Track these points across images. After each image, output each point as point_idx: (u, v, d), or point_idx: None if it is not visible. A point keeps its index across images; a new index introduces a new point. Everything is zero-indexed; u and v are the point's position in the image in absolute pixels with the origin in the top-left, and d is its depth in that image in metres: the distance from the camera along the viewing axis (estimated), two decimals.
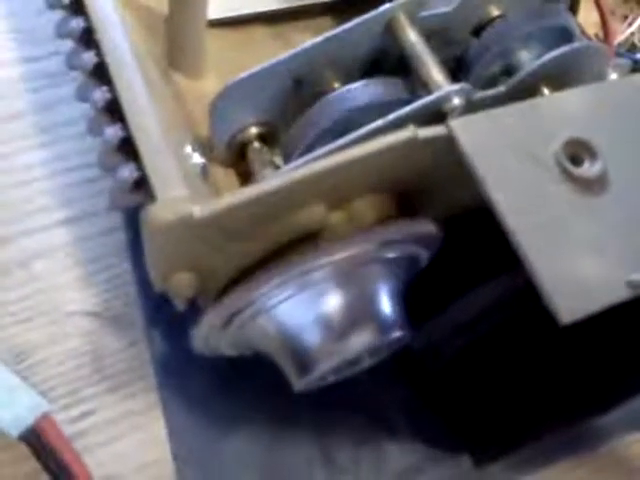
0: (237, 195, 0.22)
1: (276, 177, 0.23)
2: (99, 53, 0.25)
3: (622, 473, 0.33)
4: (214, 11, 0.30)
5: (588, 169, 0.23)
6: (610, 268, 0.22)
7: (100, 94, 0.24)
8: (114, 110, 0.24)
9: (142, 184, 0.23)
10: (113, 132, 0.23)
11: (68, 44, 0.28)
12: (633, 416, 0.33)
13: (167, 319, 0.31)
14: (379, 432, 0.32)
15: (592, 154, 0.23)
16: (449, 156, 0.23)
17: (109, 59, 0.24)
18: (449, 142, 0.23)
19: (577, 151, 0.23)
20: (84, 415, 0.30)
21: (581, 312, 0.21)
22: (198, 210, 0.21)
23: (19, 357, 0.30)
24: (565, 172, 0.23)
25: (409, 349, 0.29)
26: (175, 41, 0.29)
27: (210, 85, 0.30)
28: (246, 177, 0.28)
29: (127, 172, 0.23)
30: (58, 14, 0.28)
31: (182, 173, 0.23)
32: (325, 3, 0.33)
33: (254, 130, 0.28)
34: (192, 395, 0.31)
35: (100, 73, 0.25)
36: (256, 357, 0.28)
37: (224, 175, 0.28)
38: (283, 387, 0.26)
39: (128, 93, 0.24)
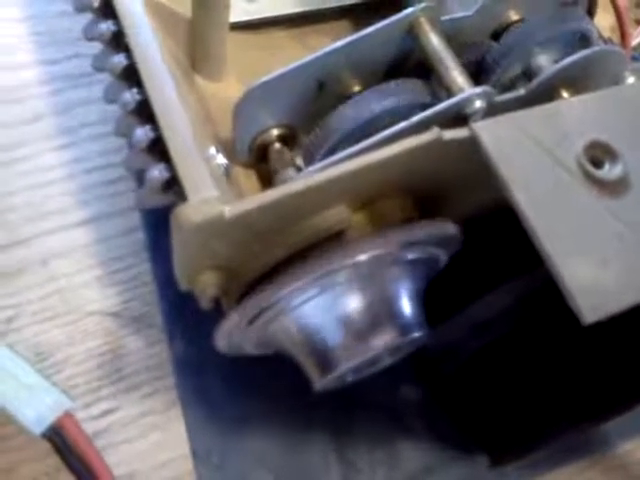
0: (266, 195, 0.22)
1: (303, 178, 0.23)
2: (128, 56, 0.25)
3: (633, 474, 0.33)
4: (234, 14, 0.31)
5: (609, 171, 0.23)
6: (632, 269, 0.22)
7: (130, 96, 0.25)
8: (142, 111, 0.25)
9: (171, 184, 0.23)
10: (143, 133, 0.24)
11: (90, 47, 0.29)
12: None
13: (187, 319, 0.32)
14: (395, 432, 0.32)
15: (613, 157, 0.23)
16: (472, 158, 0.23)
17: (140, 62, 0.25)
18: (472, 144, 0.23)
19: (598, 154, 0.23)
20: (104, 414, 0.30)
21: (604, 312, 0.21)
22: (228, 210, 0.22)
23: (40, 356, 0.31)
24: (586, 174, 0.23)
25: (424, 350, 0.29)
26: (198, 44, 0.29)
27: (231, 88, 0.30)
28: (267, 178, 0.29)
29: (157, 172, 0.23)
30: (83, 18, 0.28)
31: (211, 174, 0.23)
32: (343, 7, 0.34)
33: (275, 132, 0.28)
34: (211, 394, 0.31)
35: (128, 75, 0.26)
36: (275, 357, 0.28)
37: (245, 176, 0.29)
38: (301, 387, 0.27)
39: (159, 95, 0.24)
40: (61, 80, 0.36)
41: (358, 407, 0.32)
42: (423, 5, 0.27)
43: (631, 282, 0.22)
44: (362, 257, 0.24)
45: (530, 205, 0.22)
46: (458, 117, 0.25)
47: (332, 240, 0.25)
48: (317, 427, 0.32)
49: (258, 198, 0.22)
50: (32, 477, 0.29)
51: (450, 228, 0.26)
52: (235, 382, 0.32)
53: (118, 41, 0.26)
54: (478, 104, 0.25)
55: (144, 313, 0.32)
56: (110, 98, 0.26)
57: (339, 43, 0.27)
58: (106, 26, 0.26)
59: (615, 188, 0.23)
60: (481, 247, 0.28)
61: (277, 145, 0.28)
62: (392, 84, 0.26)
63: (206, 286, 0.24)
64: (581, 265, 0.22)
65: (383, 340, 0.25)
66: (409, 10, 0.27)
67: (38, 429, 0.28)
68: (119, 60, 0.26)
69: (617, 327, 0.23)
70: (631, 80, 0.28)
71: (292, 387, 0.29)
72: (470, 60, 0.28)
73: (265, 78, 0.27)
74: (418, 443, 0.32)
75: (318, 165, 0.25)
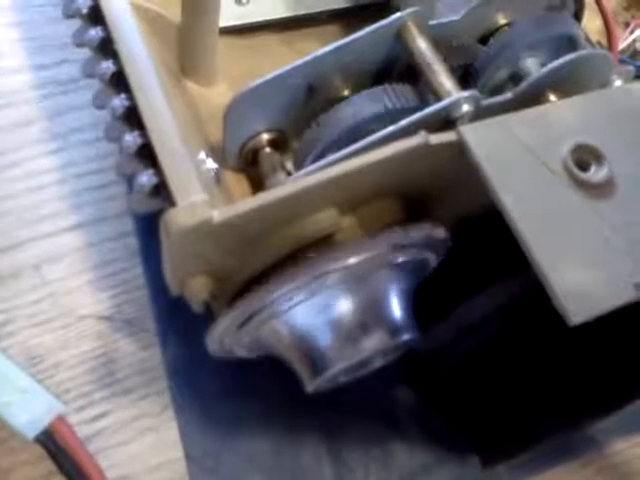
0: (255, 200, 0.22)
1: (292, 182, 0.23)
2: (116, 62, 0.26)
3: (626, 473, 0.34)
4: (223, 19, 0.31)
5: (595, 174, 0.23)
6: (617, 270, 0.22)
7: (119, 102, 0.25)
8: (131, 117, 0.25)
9: (161, 189, 0.23)
10: (132, 138, 0.24)
11: (79, 52, 0.29)
12: (636, 418, 0.33)
13: (179, 322, 0.32)
14: (388, 433, 0.32)
15: (599, 159, 0.23)
16: (459, 161, 0.23)
17: (128, 68, 0.25)
18: (459, 147, 0.23)
19: (584, 156, 0.23)
20: (97, 417, 0.30)
21: (589, 313, 0.21)
22: (217, 214, 0.22)
23: (33, 360, 0.31)
24: (572, 177, 0.23)
25: (416, 352, 0.29)
26: (187, 49, 0.29)
27: (220, 92, 0.31)
28: (257, 182, 0.29)
29: (145, 178, 0.23)
30: (73, 24, 0.29)
31: (200, 178, 0.23)
32: (332, 11, 0.34)
33: (266, 136, 0.28)
34: (204, 397, 0.31)
35: (117, 81, 0.26)
36: (267, 359, 0.28)
37: (235, 180, 0.29)
38: (294, 389, 0.27)
39: (147, 101, 0.24)
40: (51, 85, 0.37)
41: (351, 408, 0.32)
42: (411, 10, 0.27)
43: (617, 283, 0.22)
44: (352, 260, 0.25)
45: (517, 208, 0.22)
46: (446, 121, 0.25)
47: (322, 243, 0.25)
48: (311, 429, 0.32)
49: (247, 202, 0.22)
50: None
51: (439, 231, 0.26)
52: (228, 384, 0.32)
53: (107, 47, 0.26)
54: (465, 108, 0.25)
55: (136, 317, 0.32)
56: (99, 104, 0.26)
57: (328, 47, 0.27)
58: (95, 32, 0.27)
59: (601, 190, 0.23)
60: (469, 249, 0.28)
61: (267, 149, 0.28)
62: (381, 88, 0.26)
63: (196, 291, 0.24)
64: (567, 267, 0.22)
65: (374, 342, 0.26)
66: (397, 15, 0.27)
67: (31, 433, 0.28)
68: (107, 66, 0.26)
69: (606, 327, 0.23)
70: (618, 83, 0.28)
71: (285, 389, 0.29)
72: (458, 64, 0.28)
73: (255, 83, 0.27)
74: (411, 444, 0.32)
75: (307, 169, 0.25)
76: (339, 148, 0.25)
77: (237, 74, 0.31)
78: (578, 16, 0.31)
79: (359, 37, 0.27)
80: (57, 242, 0.33)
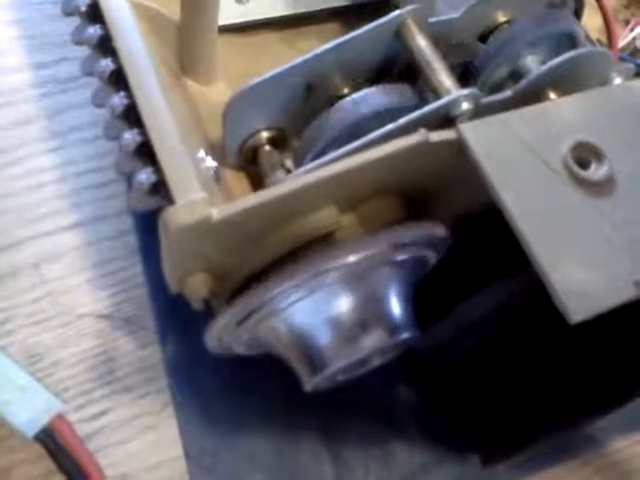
0: (254, 198, 0.22)
1: (291, 180, 0.23)
2: (115, 60, 0.26)
3: (626, 472, 0.34)
4: (223, 17, 0.31)
5: (595, 172, 0.23)
6: (617, 269, 0.22)
7: (118, 100, 0.25)
8: (130, 115, 0.25)
9: (160, 187, 0.23)
10: (131, 137, 0.24)
11: (79, 50, 0.29)
12: (635, 417, 0.33)
13: (178, 320, 0.32)
14: (388, 432, 0.32)
15: (599, 157, 0.23)
16: (459, 159, 0.23)
17: (127, 67, 0.25)
18: (459, 145, 0.23)
19: (584, 154, 0.23)
20: (97, 416, 0.30)
21: (590, 311, 0.21)
22: (216, 212, 0.22)
23: (33, 359, 0.31)
24: (573, 175, 0.23)
25: (415, 351, 0.29)
26: (187, 47, 0.29)
27: (220, 90, 0.31)
28: (257, 180, 0.29)
29: (144, 176, 0.23)
30: (73, 21, 0.29)
31: (199, 176, 0.23)
32: (332, 9, 0.34)
33: (265, 134, 0.28)
34: (204, 395, 0.31)
35: (116, 79, 0.26)
36: (267, 357, 0.28)
37: (235, 178, 0.29)
38: (293, 388, 0.27)
39: (147, 100, 0.24)
40: (51, 84, 0.37)
41: (351, 407, 0.32)
42: (411, 7, 0.27)
43: (617, 281, 0.22)
44: (352, 258, 0.25)
45: (517, 206, 0.22)
46: (446, 119, 0.25)
47: (322, 241, 0.25)
48: (310, 427, 0.32)
49: (247, 200, 0.22)
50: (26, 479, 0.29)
51: (439, 229, 0.26)
52: (228, 383, 0.32)
53: (106, 45, 0.26)
54: (465, 106, 0.25)
55: (136, 315, 0.32)
56: (98, 102, 0.26)
57: (328, 45, 0.27)
58: (94, 30, 0.27)
59: (601, 188, 0.23)
60: (469, 248, 0.28)
61: (267, 148, 0.28)
62: (380, 87, 0.26)
63: (196, 288, 0.24)
64: (567, 265, 0.22)
65: (373, 341, 0.26)
66: (397, 12, 0.27)
67: (30, 432, 0.28)
68: (107, 64, 0.26)
69: (606, 326, 0.23)
70: (618, 81, 0.28)
71: (285, 388, 0.29)
72: (458, 62, 0.28)
73: (254, 81, 0.27)
74: (411, 443, 0.32)
75: (307, 167, 0.25)
76: (339, 146, 0.25)
77: (236, 72, 0.31)
78: (578, 14, 0.31)
79: (358, 35, 0.27)
80: (56, 241, 0.33)
